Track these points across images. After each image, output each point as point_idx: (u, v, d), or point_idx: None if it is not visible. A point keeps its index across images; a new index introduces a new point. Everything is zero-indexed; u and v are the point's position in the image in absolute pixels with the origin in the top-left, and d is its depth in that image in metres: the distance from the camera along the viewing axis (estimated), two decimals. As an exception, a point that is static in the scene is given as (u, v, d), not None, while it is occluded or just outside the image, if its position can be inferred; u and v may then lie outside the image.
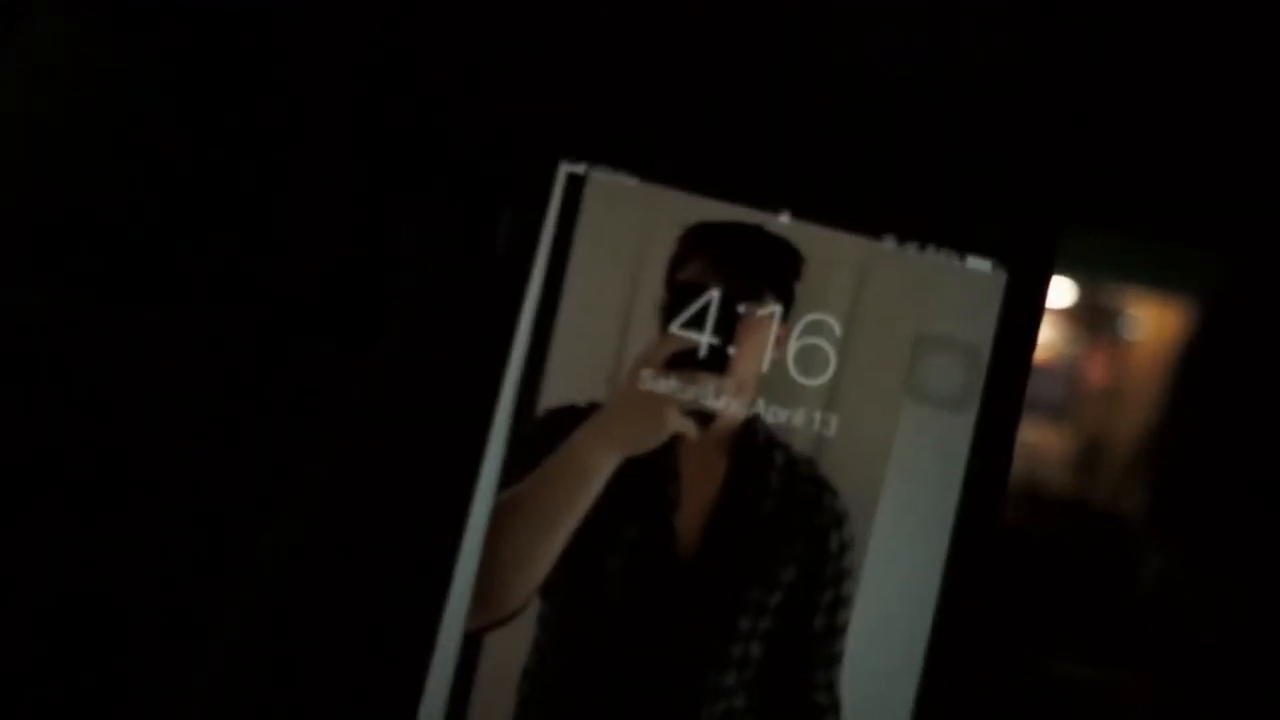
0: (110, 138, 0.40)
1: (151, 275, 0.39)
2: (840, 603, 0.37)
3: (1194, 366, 0.44)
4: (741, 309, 0.37)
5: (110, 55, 0.39)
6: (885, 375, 0.37)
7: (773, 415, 0.37)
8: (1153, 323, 0.45)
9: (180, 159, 0.39)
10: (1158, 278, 0.44)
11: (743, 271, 0.37)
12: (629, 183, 0.37)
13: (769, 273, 0.37)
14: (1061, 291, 0.46)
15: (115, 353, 0.39)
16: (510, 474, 0.36)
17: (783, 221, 0.37)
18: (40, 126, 0.40)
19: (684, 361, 0.37)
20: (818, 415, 0.37)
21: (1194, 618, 0.42)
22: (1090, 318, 0.46)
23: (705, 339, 0.37)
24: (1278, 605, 0.41)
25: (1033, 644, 0.42)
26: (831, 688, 0.36)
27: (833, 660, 0.37)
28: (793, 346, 0.37)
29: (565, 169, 0.37)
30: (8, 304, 0.39)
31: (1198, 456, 0.43)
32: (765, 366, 0.37)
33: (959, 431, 0.37)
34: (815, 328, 0.37)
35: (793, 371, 0.37)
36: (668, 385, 0.37)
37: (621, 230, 0.37)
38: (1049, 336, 0.45)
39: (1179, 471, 0.44)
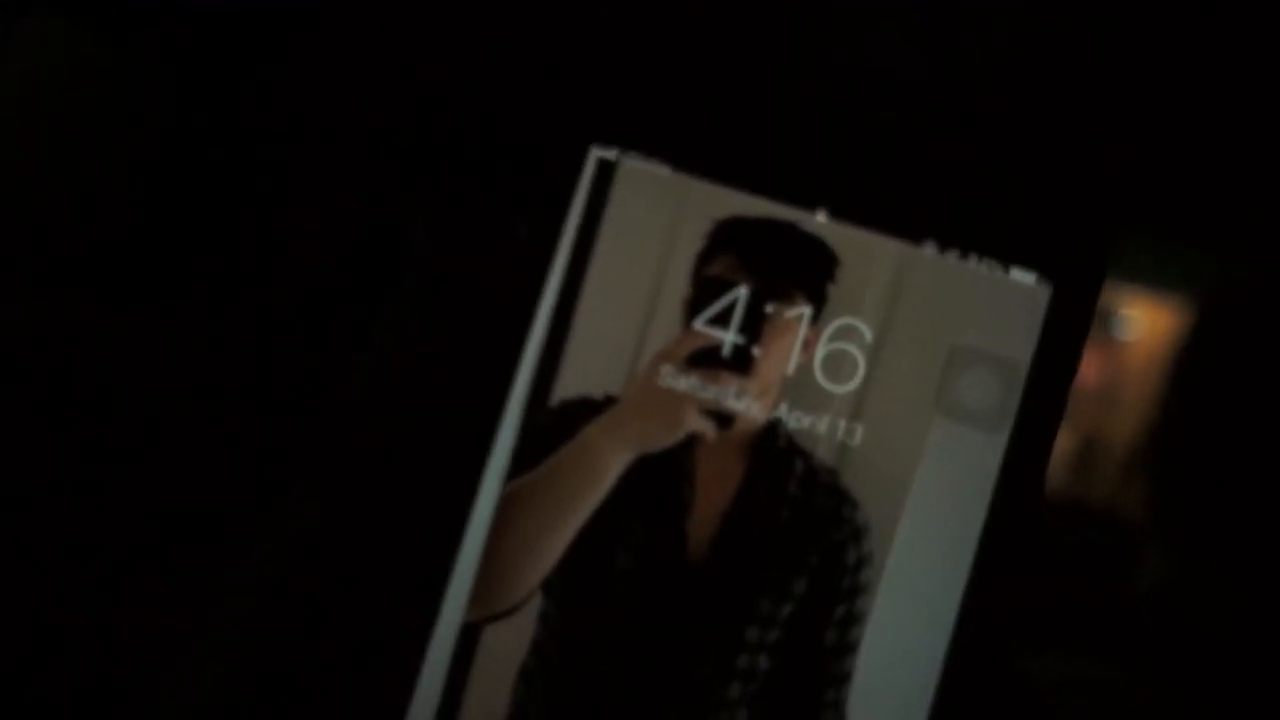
0: (112, 135, 0.39)
1: (156, 263, 0.39)
2: (853, 619, 0.35)
3: (1189, 365, 0.43)
4: (769, 309, 0.35)
5: (112, 54, 0.39)
6: (916, 386, 0.35)
7: (795, 421, 0.36)
8: (1147, 322, 0.44)
9: (183, 148, 0.39)
10: (1152, 277, 0.43)
11: (773, 270, 0.35)
12: (661, 172, 0.36)
13: (800, 273, 0.35)
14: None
15: (119, 345, 0.38)
16: (520, 463, 0.35)
17: (818, 220, 0.35)
18: (37, 129, 0.40)
19: (706, 359, 0.35)
20: (842, 424, 0.36)
21: (1193, 616, 0.41)
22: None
23: (730, 337, 0.35)
24: (1277, 602, 0.40)
25: (1030, 644, 0.40)
26: (839, 707, 0.35)
27: (842, 678, 0.35)
28: (821, 350, 0.36)
29: (596, 154, 0.36)
30: (5, 306, 0.39)
31: (1194, 455, 0.42)
32: (791, 370, 0.36)
33: (990, 451, 0.35)
34: (846, 332, 0.36)
35: (819, 377, 0.36)
36: (688, 383, 0.35)
37: (650, 220, 0.36)
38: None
39: (1176, 470, 0.42)
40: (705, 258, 0.36)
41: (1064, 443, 0.42)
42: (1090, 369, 0.45)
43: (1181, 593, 0.42)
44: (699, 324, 0.36)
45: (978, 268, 0.35)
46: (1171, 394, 0.44)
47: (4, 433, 0.38)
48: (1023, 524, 0.35)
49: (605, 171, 0.36)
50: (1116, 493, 0.44)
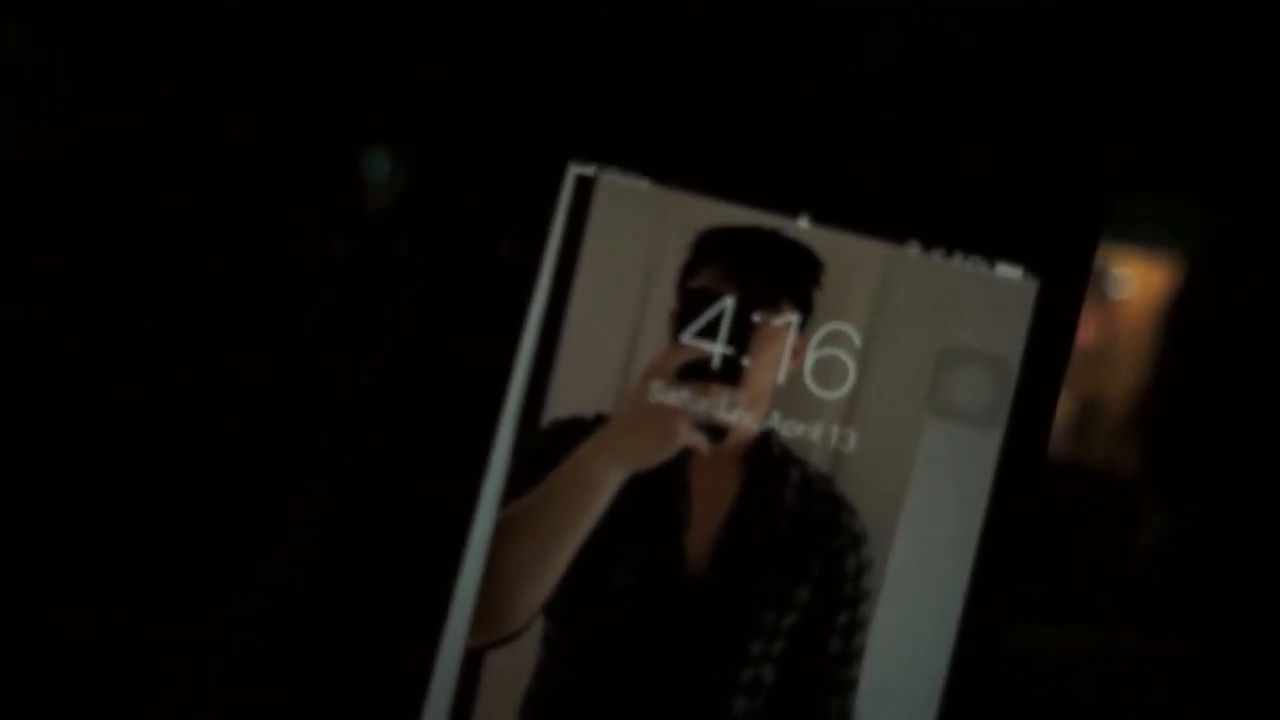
0: (109, 146, 0.39)
1: (148, 286, 0.39)
2: (856, 626, 0.35)
3: (1184, 323, 0.43)
4: (756, 318, 0.35)
5: (111, 54, 0.39)
6: (907, 389, 0.35)
7: (788, 429, 0.35)
8: (1141, 281, 0.43)
9: (175, 164, 0.38)
10: (1144, 235, 0.43)
11: (758, 279, 0.35)
12: (640, 185, 0.35)
13: (786, 280, 0.35)
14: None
15: (112, 368, 0.38)
16: (514, 487, 0.35)
17: (801, 226, 0.35)
18: (38, 130, 0.39)
19: (696, 372, 0.35)
20: (836, 430, 0.35)
21: (1196, 576, 0.41)
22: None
23: (718, 349, 0.35)
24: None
25: (1031, 609, 0.40)
26: (846, 715, 0.35)
27: (847, 686, 0.35)
28: (810, 358, 0.35)
29: (574, 170, 0.35)
30: (12, 315, 0.39)
31: (1192, 413, 0.42)
32: (781, 378, 0.35)
33: (985, 449, 0.35)
34: (834, 338, 0.35)
35: (810, 384, 0.35)
36: (679, 397, 0.35)
37: (632, 235, 0.35)
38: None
39: (1175, 429, 0.42)
40: (690, 270, 0.35)
41: (1061, 405, 0.42)
42: (1084, 330, 0.45)
43: (1185, 553, 0.42)
44: (687, 337, 0.35)
45: (963, 265, 0.35)
46: (1166, 352, 0.43)
47: (4, 432, 0.38)
48: (1023, 520, 0.35)
49: (584, 188, 0.35)
50: (1116, 453, 0.44)
